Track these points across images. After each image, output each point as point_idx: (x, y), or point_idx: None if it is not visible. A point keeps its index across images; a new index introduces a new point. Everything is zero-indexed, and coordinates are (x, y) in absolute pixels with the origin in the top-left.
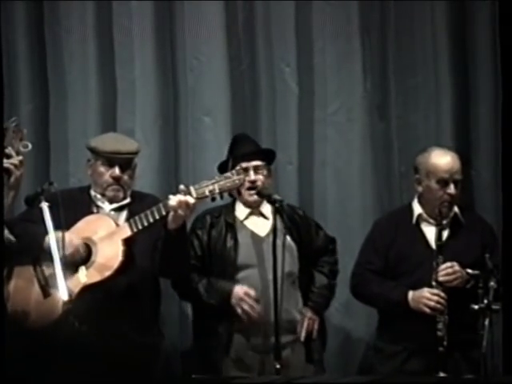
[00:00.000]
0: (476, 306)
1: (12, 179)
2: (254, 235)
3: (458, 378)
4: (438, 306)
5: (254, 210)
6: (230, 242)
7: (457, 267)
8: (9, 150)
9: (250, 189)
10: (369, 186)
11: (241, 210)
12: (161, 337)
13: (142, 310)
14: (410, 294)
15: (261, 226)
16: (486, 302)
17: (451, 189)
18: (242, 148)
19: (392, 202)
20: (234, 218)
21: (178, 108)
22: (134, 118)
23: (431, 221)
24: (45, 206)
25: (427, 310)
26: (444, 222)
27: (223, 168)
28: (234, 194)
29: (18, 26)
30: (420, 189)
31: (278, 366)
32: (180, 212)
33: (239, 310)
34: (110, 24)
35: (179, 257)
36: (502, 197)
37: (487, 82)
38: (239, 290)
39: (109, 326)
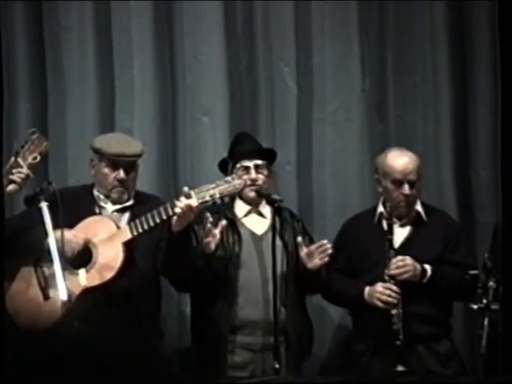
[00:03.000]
0: (475, 306)
1: (13, 190)
2: (251, 233)
3: (456, 378)
4: (390, 299)
5: (253, 208)
6: (232, 237)
7: (408, 261)
8: (20, 162)
9: (250, 186)
10: (367, 185)
11: (240, 208)
12: (160, 338)
13: (142, 313)
14: (366, 289)
15: (258, 224)
16: (485, 301)
17: (405, 189)
18: (243, 146)
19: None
20: (234, 214)
21: (177, 108)
22: (133, 117)
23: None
24: (44, 205)
25: (380, 303)
26: (404, 220)
27: (224, 166)
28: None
29: (17, 26)
30: (380, 189)
31: (276, 366)
32: (185, 217)
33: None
34: (109, 24)
35: (183, 259)
36: (501, 197)
37: (486, 82)
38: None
39: (108, 328)
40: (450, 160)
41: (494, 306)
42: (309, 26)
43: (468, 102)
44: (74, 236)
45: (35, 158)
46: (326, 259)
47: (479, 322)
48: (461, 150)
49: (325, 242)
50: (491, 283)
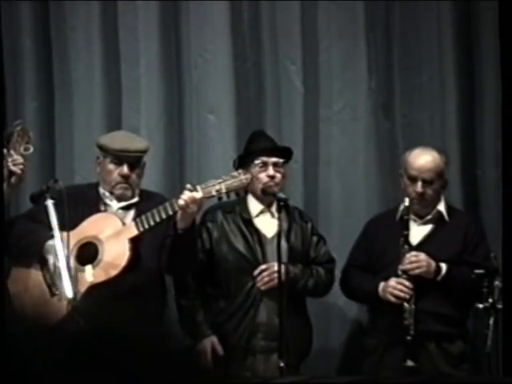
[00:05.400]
0: (481, 305)
1: (16, 180)
2: (262, 236)
3: (457, 377)
4: (401, 294)
5: (265, 208)
6: (251, 238)
7: (422, 256)
8: (12, 153)
9: (267, 183)
10: (373, 184)
11: (253, 206)
12: (165, 334)
13: (148, 310)
14: (381, 285)
15: (269, 226)
16: (490, 301)
17: (418, 187)
18: (262, 143)
19: (397, 201)
20: (249, 213)
21: (183, 106)
22: (139, 115)
23: (413, 216)
24: (50, 203)
25: (392, 298)
26: (426, 218)
27: (240, 162)
28: (249, 189)
29: (24, 25)
30: (402, 184)
31: (281, 365)
32: (188, 210)
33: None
34: (116, 22)
35: (188, 256)
36: (502, 196)
37: (493, 81)
38: (207, 345)
39: (113, 325)
40: (457, 159)
41: (500, 306)
42: (315, 24)
43: (475, 102)
44: None
45: (27, 149)
46: (271, 283)
47: (485, 322)
48: (467, 150)
49: (268, 266)
50: (497, 282)
